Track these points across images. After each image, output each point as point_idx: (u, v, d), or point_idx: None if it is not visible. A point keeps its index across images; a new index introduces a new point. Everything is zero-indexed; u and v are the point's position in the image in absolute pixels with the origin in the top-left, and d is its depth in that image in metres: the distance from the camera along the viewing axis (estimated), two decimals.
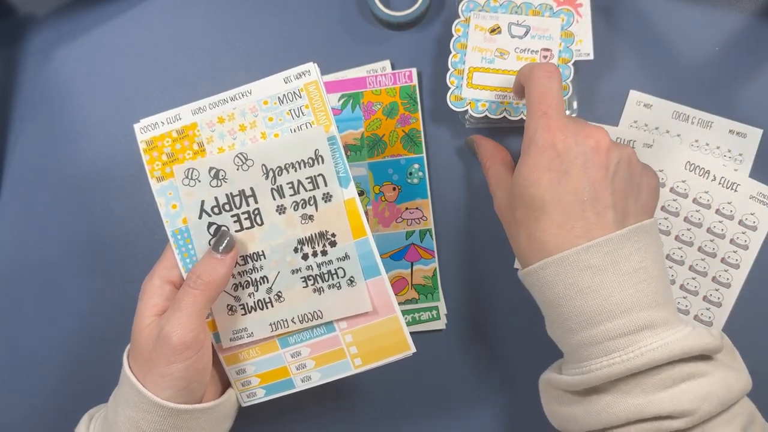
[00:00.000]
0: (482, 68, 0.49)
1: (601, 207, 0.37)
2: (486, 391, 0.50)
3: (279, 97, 0.38)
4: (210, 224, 0.41)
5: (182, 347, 0.37)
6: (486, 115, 0.49)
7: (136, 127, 0.40)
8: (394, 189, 0.51)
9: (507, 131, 0.51)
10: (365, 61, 0.52)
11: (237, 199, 0.41)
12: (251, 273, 0.41)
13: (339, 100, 0.51)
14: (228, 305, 0.42)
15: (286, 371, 0.43)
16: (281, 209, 0.40)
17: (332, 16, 0.53)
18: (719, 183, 0.50)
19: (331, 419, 0.51)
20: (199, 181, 0.40)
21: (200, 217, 0.41)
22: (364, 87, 0.51)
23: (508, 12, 0.49)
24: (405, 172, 0.51)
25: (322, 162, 0.39)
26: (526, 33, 0.49)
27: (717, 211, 0.50)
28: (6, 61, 0.54)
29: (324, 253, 0.41)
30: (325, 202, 0.40)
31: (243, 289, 0.42)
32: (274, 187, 0.40)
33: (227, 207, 0.41)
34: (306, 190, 0.40)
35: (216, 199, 0.41)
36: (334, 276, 0.41)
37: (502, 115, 0.48)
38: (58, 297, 0.52)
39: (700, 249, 0.50)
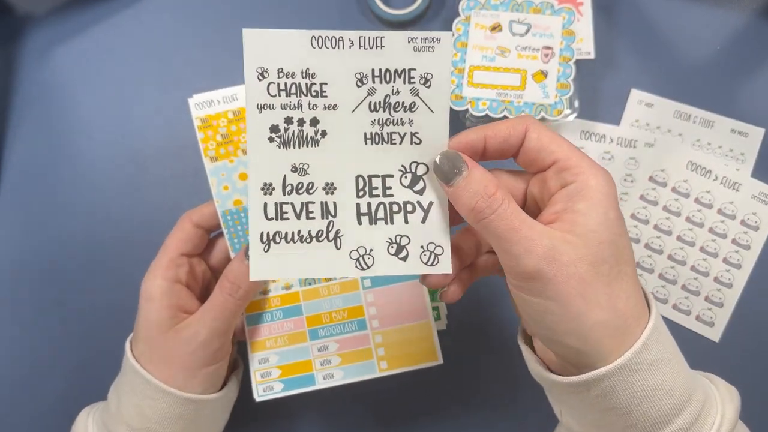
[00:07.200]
0: (483, 66, 0.49)
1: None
2: (486, 390, 0.50)
3: None
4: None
5: (223, 352, 0.38)
6: (487, 114, 0.48)
7: (191, 102, 0.39)
8: None
9: None
10: None
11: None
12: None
13: None
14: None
15: (309, 365, 0.42)
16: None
17: (332, 15, 0.53)
18: (721, 182, 0.49)
19: (325, 417, 0.50)
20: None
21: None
22: None
23: (509, 10, 0.49)
24: None
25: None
26: (527, 31, 0.48)
27: (719, 211, 0.49)
28: (5, 60, 0.54)
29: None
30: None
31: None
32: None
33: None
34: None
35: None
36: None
37: (503, 114, 0.48)
38: (58, 297, 0.52)
39: (701, 249, 0.49)
